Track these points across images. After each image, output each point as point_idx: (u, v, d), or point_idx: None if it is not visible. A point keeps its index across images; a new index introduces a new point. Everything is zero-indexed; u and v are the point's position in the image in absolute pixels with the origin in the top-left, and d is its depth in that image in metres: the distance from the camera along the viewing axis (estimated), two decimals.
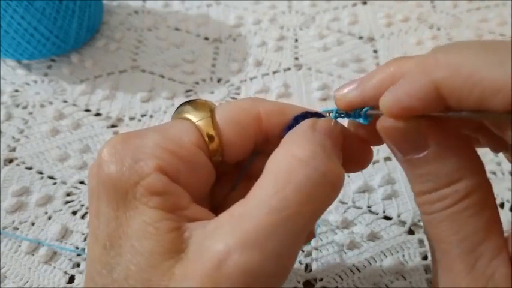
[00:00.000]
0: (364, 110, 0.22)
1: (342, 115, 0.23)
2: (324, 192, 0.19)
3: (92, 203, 0.21)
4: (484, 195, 0.19)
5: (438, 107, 0.19)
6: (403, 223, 0.37)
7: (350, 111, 0.23)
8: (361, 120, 0.22)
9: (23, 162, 0.41)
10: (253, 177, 0.22)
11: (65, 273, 0.34)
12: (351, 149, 0.24)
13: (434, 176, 0.20)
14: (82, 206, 0.38)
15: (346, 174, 0.40)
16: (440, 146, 0.20)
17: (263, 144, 0.24)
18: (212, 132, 0.22)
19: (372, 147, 0.25)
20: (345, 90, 0.23)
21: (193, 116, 0.22)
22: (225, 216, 0.19)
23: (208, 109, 0.23)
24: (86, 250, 0.35)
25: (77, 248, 0.35)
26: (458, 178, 0.19)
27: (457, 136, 0.20)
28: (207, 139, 0.22)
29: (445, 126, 0.20)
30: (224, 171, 0.25)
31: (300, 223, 0.19)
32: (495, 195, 0.24)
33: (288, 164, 0.20)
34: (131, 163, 0.20)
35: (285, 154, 0.20)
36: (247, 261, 0.17)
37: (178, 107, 0.24)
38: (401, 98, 0.19)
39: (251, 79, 0.49)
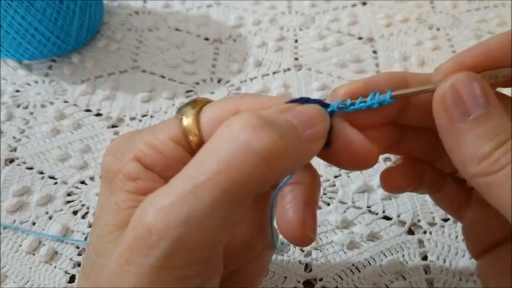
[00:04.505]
0: (388, 91, 0.23)
1: (345, 106, 0.23)
2: (247, 161, 0.18)
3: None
4: None
5: None
6: (403, 223, 0.37)
7: (355, 101, 0.23)
8: (386, 101, 0.23)
9: (24, 162, 0.41)
10: None
11: (66, 272, 0.34)
12: (351, 145, 0.23)
13: (502, 127, 0.21)
14: (83, 205, 0.38)
15: (346, 174, 0.40)
16: (497, 100, 0.21)
17: None
18: (191, 129, 0.22)
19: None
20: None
21: (184, 114, 0.23)
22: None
23: (199, 107, 0.23)
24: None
25: (77, 248, 0.36)
26: None
27: None
28: (189, 136, 0.22)
29: None
30: None
31: (215, 191, 0.18)
32: None
33: (220, 133, 0.20)
34: (119, 155, 0.22)
35: (224, 124, 0.20)
36: (154, 224, 0.18)
37: (181, 105, 0.25)
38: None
39: (251, 79, 0.49)
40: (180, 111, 0.24)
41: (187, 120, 0.23)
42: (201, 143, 0.22)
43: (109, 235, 0.21)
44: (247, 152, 0.19)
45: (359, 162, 0.24)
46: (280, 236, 0.26)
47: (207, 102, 0.24)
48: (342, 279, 0.33)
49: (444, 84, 0.22)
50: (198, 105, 0.23)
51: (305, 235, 0.23)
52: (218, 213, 0.19)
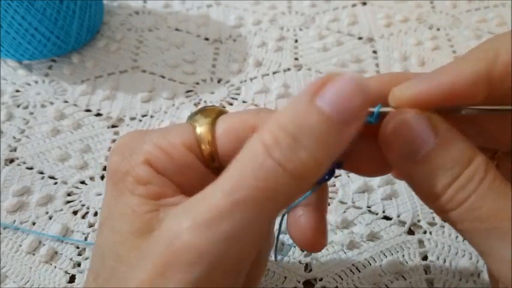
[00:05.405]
0: (376, 107, 0.21)
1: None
2: (282, 182, 0.18)
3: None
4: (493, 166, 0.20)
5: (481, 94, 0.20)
6: (403, 223, 0.37)
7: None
8: (371, 119, 0.21)
9: (24, 162, 0.41)
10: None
11: (66, 272, 0.34)
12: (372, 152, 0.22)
13: (454, 160, 0.19)
14: (83, 205, 0.38)
15: (346, 174, 0.40)
16: (447, 129, 0.20)
17: None
18: (205, 138, 0.22)
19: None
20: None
21: (196, 122, 0.23)
22: (192, 197, 0.20)
23: (213, 116, 0.23)
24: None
25: (77, 248, 0.36)
26: (473, 154, 0.19)
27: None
28: (202, 144, 0.22)
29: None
30: None
31: (253, 209, 0.18)
32: None
33: (253, 147, 0.19)
34: (127, 156, 0.22)
35: (257, 135, 0.19)
36: (194, 241, 0.18)
37: (192, 113, 0.24)
38: (446, 83, 0.20)
39: (251, 79, 0.49)
40: (192, 118, 0.23)
41: (200, 129, 0.23)
42: (214, 153, 0.22)
43: (128, 243, 0.20)
44: (281, 174, 0.18)
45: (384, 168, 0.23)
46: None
47: (220, 111, 0.24)
48: (342, 279, 0.33)
49: (385, 128, 0.20)
50: (211, 114, 0.23)
51: (318, 241, 0.23)
52: (255, 230, 0.19)
